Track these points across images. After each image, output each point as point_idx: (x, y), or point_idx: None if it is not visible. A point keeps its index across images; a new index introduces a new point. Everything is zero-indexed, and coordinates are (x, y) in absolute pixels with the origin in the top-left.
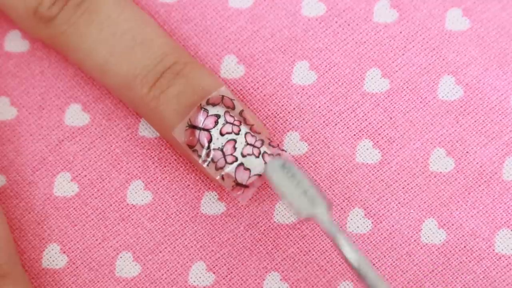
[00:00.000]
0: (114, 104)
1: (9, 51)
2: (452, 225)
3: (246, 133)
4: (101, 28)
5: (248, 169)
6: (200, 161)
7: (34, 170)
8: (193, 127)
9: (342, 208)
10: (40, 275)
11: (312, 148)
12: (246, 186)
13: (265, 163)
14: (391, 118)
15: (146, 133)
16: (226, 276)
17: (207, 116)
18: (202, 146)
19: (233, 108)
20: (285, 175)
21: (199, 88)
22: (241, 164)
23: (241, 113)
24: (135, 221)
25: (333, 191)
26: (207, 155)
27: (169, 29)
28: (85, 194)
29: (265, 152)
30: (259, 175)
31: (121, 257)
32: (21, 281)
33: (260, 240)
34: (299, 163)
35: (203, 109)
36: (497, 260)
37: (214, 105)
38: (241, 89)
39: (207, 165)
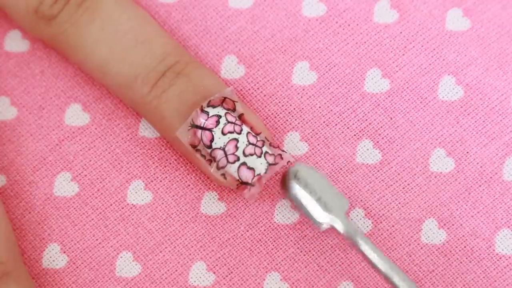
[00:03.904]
0: (114, 104)
1: (9, 51)
2: (452, 225)
3: (247, 133)
4: (102, 27)
5: (252, 168)
6: (204, 160)
7: (34, 170)
8: (195, 126)
9: None
10: (40, 275)
11: (313, 149)
12: (252, 184)
13: (267, 162)
14: (391, 119)
15: (147, 133)
16: (226, 276)
17: (208, 116)
18: (205, 146)
19: (234, 110)
20: (299, 186)
21: (200, 87)
22: (244, 163)
23: (240, 116)
24: (135, 221)
25: None
26: (209, 154)
27: (169, 29)
28: (85, 194)
29: (266, 152)
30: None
31: (121, 257)
32: (24, 279)
33: (260, 240)
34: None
35: (203, 110)
36: (497, 260)
37: (214, 106)
38: (241, 90)
39: (210, 164)
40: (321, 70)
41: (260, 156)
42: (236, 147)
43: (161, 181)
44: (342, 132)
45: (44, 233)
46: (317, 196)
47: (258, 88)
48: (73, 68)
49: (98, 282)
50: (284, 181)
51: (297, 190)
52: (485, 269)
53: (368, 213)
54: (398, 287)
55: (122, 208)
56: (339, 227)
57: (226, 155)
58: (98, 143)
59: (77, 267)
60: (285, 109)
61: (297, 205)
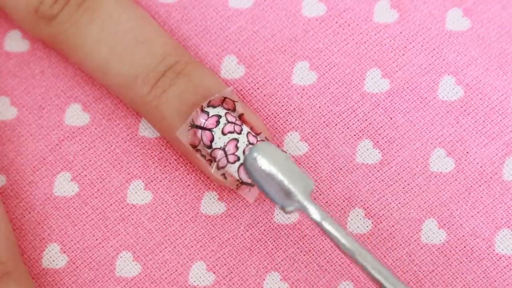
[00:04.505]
0: (114, 104)
1: (9, 51)
2: (452, 225)
3: (248, 133)
4: (102, 27)
5: None
6: (204, 160)
7: (34, 170)
8: (196, 126)
9: (342, 208)
10: (40, 275)
11: (312, 149)
12: (252, 184)
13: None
14: (391, 119)
15: (146, 133)
16: (226, 276)
17: (208, 116)
18: (205, 146)
19: (234, 110)
20: (259, 170)
21: (200, 87)
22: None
23: (240, 116)
24: (135, 221)
25: (333, 191)
26: (210, 154)
27: (169, 29)
28: (85, 194)
29: None
30: None
31: (121, 257)
32: (24, 279)
33: (260, 240)
34: (299, 164)
35: (203, 110)
36: (497, 260)
37: (214, 106)
38: (241, 90)
39: (210, 164)
40: (321, 70)
41: None
42: (237, 147)
43: (161, 181)
44: (342, 132)
45: (44, 233)
46: (279, 180)
47: (258, 88)
48: (73, 68)
49: (98, 282)
50: (244, 166)
51: (258, 176)
52: (485, 269)
53: (368, 213)
54: (367, 269)
55: (122, 208)
56: (306, 211)
57: (226, 155)
58: (98, 143)
59: (77, 267)
60: (285, 109)
61: (261, 191)
